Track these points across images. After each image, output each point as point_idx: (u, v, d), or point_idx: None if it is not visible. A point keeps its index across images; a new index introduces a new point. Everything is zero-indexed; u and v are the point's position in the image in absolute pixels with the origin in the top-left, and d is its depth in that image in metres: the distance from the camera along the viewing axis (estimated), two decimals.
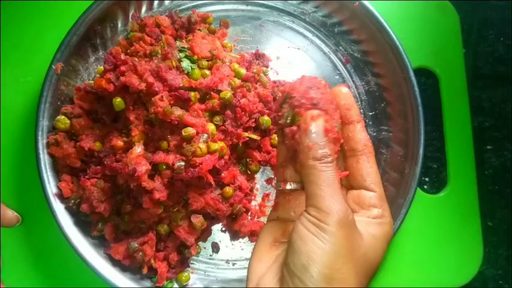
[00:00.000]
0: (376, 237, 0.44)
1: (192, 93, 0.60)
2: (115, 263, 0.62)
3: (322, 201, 0.41)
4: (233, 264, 0.68)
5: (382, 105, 0.71)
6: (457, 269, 0.70)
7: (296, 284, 0.40)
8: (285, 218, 0.49)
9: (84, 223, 0.63)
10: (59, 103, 0.63)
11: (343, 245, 0.40)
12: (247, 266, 0.47)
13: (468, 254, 0.71)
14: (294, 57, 0.74)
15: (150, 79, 0.58)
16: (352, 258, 0.41)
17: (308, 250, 0.40)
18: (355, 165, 0.47)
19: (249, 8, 0.74)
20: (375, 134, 0.72)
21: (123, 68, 0.59)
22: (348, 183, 0.48)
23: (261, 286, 0.44)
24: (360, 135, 0.48)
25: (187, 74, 0.62)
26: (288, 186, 0.49)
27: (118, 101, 0.59)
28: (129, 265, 0.62)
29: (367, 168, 0.47)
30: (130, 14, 0.68)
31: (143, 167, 0.56)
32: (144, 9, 0.70)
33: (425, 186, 0.74)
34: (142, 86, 0.58)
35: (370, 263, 0.43)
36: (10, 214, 0.64)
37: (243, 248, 0.68)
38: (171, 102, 0.59)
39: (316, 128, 0.43)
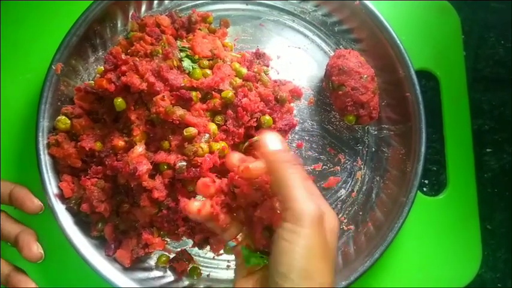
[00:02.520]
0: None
1: (194, 93, 0.61)
2: (116, 263, 0.64)
3: (296, 203, 0.45)
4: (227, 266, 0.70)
5: (383, 103, 0.73)
6: (455, 272, 0.72)
7: None
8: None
9: (85, 223, 0.64)
10: (59, 103, 0.65)
11: (318, 244, 0.45)
12: None
13: (467, 257, 0.72)
14: (295, 57, 0.76)
15: (152, 79, 0.60)
16: (325, 253, 0.46)
17: (287, 260, 0.44)
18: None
19: (249, 7, 0.77)
20: (376, 132, 0.74)
21: (124, 68, 0.60)
22: None
23: None
24: None
25: (189, 73, 0.64)
26: (239, 238, 0.54)
27: (119, 101, 0.61)
28: (131, 265, 0.64)
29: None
30: (130, 13, 0.70)
31: (144, 167, 0.58)
32: (143, 8, 0.72)
33: (424, 189, 0.76)
34: (144, 85, 0.59)
35: (332, 253, 0.49)
36: (35, 249, 0.63)
37: None
38: (173, 102, 0.61)
39: (273, 138, 0.49)
